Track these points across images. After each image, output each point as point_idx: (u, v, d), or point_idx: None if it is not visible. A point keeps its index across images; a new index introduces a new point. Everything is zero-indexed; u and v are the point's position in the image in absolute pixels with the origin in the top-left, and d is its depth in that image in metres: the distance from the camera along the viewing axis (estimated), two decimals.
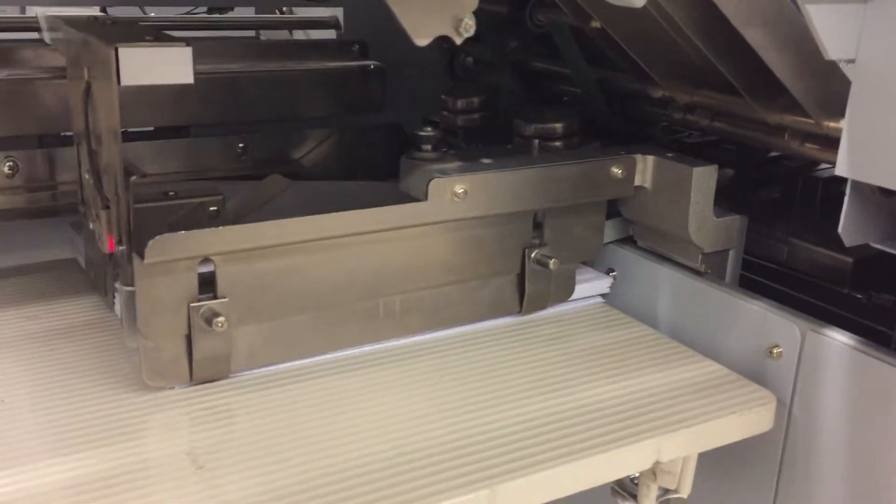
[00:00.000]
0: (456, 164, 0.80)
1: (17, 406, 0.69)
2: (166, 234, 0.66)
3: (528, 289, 0.87)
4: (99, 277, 0.88)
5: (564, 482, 0.65)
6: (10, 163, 0.94)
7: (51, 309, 0.87)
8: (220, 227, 0.68)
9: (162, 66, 0.68)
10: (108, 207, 0.80)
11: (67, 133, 1.00)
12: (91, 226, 0.83)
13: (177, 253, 0.67)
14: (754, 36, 0.68)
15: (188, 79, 0.69)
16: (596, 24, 0.86)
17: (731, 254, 0.88)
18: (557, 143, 0.91)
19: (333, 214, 0.72)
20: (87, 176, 0.82)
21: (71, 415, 0.68)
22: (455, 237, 0.81)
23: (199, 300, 0.70)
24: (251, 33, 1.29)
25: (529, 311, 0.89)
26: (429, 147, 0.81)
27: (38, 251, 1.00)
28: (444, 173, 0.77)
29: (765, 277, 0.91)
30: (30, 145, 0.99)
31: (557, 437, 0.68)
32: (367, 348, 0.81)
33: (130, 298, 0.72)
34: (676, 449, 0.71)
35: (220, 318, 0.69)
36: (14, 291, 0.90)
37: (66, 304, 0.88)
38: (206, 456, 0.64)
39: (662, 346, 0.85)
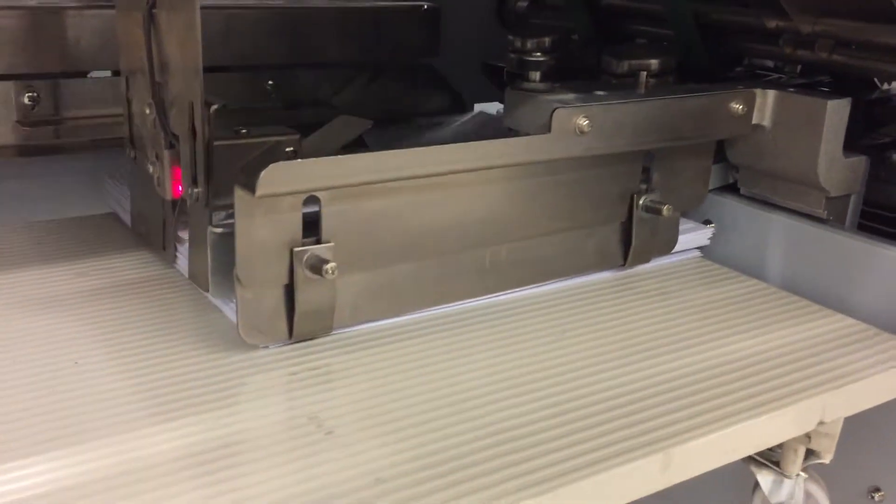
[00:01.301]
0: (571, 96, 0.71)
1: (96, 369, 0.59)
2: (281, 163, 0.56)
3: (635, 239, 0.79)
4: (153, 230, 0.78)
5: (738, 444, 0.58)
6: (31, 94, 0.83)
7: (100, 265, 0.77)
8: (340, 157, 0.58)
9: None
10: (172, 146, 0.71)
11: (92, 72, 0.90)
12: (150, 169, 0.73)
13: (291, 185, 0.57)
14: None
15: None
16: None
17: (853, 199, 0.81)
18: (653, 83, 0.83)
19: (464, 145, 0.63)
20: (147, 111, 0.71)
21: (159, 377, 0.59)
22: (564, 179, 0.73)
23: (303, 244, 0.61)
24: None
25: (633, 265, 0.81)
26: (537, 76, 0.72)
27: (68, 200, 0.89)
28: (565, 104, 0.68)
29: (881, 224, 0.84)
30: None
31: (716, 395, 0.61)
32: (470, 303, 0.72)
33: (220, 242, 0.62)
34: (841, 408, 0.63)
35: (331, 265, 0.60)
36: (54, 247, 0.80)
37: (114, 260, 0.78)
38: (331, 421, 0.55)
39: (782, 300, 0.78)
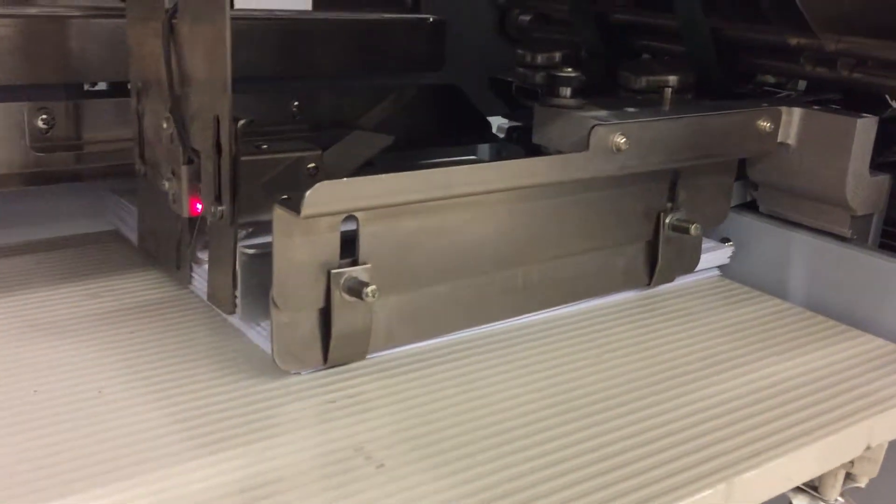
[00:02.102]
0: (604, 113, 0.69)
1: (123, 398, 0.56)
2: (327, 182, 0.53)
3: (661, 258, 0.77)
4: (164, 249, 0.75)
5: (795, 471, 0.56)
6: (45, 115, 0.79)
7: (109, 286, 0.73)
8: (388, 175, 0.56)
9: None
10: (191, 162, 0.68)
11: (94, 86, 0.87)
12: (165, 186, 0.70)
13: (338, 204, 0.55)
14: None
15: None
16: None
17: (875, 218, 0.80)
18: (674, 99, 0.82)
19: (507, 163, 0.61)
20: (164, 125, 0.68)
21: (192, 407, 0.56)
22: (593, 197, 0.71)
23: (340, 266, 0.58)
24: None
25: (658, 284, 0.79)
26: (567, 92, 0.70)
27: (65, 222, 0.85)
28: (601, 121, 0.67)
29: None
30: (54, 97, 0.84)
31: (767, 420, 0.59)
32: (502, 325, 0.70)
33: (251, 264, 0.60)
34: (889, 432, 0.62)
35: (371, 287, 0.57)
36: (61, 267, 0.76)
37: (123, 280, 0.75)
38: (379, 453, 0.52)
39: (807, 320, 0.77)
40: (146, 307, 0.70)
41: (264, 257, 0.59)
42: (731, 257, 0.86)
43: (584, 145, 0.66)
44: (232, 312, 0.66)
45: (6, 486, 0.46)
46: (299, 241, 0.56)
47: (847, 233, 0.78)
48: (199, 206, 0.69)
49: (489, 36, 1.15)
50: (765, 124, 0.76)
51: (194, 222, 0.70)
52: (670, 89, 0.77)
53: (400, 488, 0.49)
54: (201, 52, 0.63)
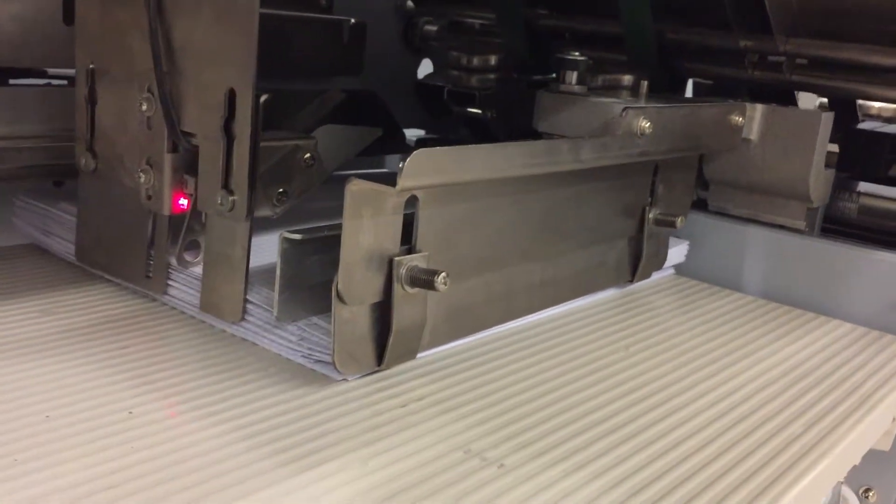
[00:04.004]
0: (612, 100, 0.68)
1: (161, 419, 0.46)
2: (424, 150, 0.47)
3: (645, 253, 0.77)
4: (122, 257, 0.64)
5: (843, 461, 0.55)
6: None
7: (60, 302, 0.61)
8: (488, 145, 0.50)
9: None
10: (175, 150, 0.59)
11: None
12: (138, 179, 0.60)
13: (432, 177, 0.49)
14: None
15: None
16: None
17: (820, 210, 0.84)
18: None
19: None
20: (144, 106, 0.59)
21: (247, 423, 0.47)
22: (597, 188, 0.69)
23: (401, 253, 0.52)
24: None
25: (639, 279, 0.78)
26: (573, 77, 0.68)
27: None
28: (628, 105, 0.65)
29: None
30: None
31: (808, 405, 0.59)
32: (523, 321, 0.66)
33: (293, 252, 0.52)
34: None
35: (443, 275, 0.51)
36: None
37: (73, 296, 0.63)
38: (489, 452, 0.46)
39: (777, 310, 0.79)
40: (119, 321, 0.59)
41: (310, 244, 0.52)
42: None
43: (604, 131, 0.64)
44: (238, 320, 0.57)
45: None
46: (368, 223, 0.49)
47: (802, 225, 0.82)
48: (184, 202, 0.60)
49: (393, 44, 1.11)
50: (737, 118, 0.78)
51: (175, 220, 0.61)
52: (646, 82, 0.77)
53: (537, 487, 0.44)
54: (209, 17, 0.55)
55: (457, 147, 0.49)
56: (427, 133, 1.15)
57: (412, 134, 1.12)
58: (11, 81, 0.74)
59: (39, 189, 0.72)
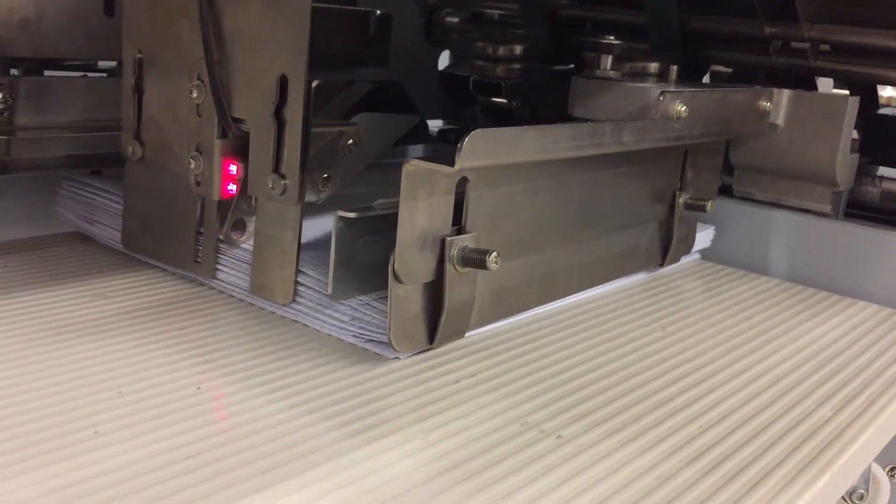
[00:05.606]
0: (649, 85, 0.69)
1: (226, 395, 0.48)
2: (482, 130, 0.48)
3: (676, 237, 0.78)
4: (170, 242, 0.65)
5: (878, 441, 0.57)
6: (1, 93, 0.67)
7: (111, 286, 0.63)
8: (543, 126, 0.52)
9: None
10: (224, 136, 0.60)
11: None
12: (192, 165, 0.61)
13: (490, 157, 0.50)
14: None
15: None
16: None
17: (844, 195, 0.85)
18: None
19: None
20: (193, 94, 0.60)
21: (308, 398, 0.48)
22: (627, 172, 0.70)
23: (451, 233, 0.53)
24: None
25: (669, 264, 0.80)
26: (608, 62, 0.69)
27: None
28: (665, 90, 0.66)
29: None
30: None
31: (840, 386, 0.60)
32: (560, 303, 0.67)
33: (347, 231, 0.53)
34: None
35: (494, 254, 0.53)
36: (28, 271, 0.64)
37: (121, 280, 0.64)
38: (546, 424, 0.48)
39: (803, 293, 0.80)
40: (172, 304, 0.60)
41: (363, 223, 0.53)
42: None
43: (641, 115, 0.65)
44: (290, 302, 0.59)
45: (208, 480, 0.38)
46: (423, 204, 0.51)
47: (828, 209, 0.83)
48: (233, 187, 0.61)
49: (415, 36, 1.12)
50: (765, 104, 0.79)
51: (223, 206, 0.62)
52: (676, 67, 0.78)
53: (595, 456, 0.45)
54: (260, 3, 0.56)
55: (511, 128, 0.50)
56: (445, 123, 1.17)
57: (432, 124, 1.14)
58: (46, 73, 0.75)
59: (80, 178, 0.73)
